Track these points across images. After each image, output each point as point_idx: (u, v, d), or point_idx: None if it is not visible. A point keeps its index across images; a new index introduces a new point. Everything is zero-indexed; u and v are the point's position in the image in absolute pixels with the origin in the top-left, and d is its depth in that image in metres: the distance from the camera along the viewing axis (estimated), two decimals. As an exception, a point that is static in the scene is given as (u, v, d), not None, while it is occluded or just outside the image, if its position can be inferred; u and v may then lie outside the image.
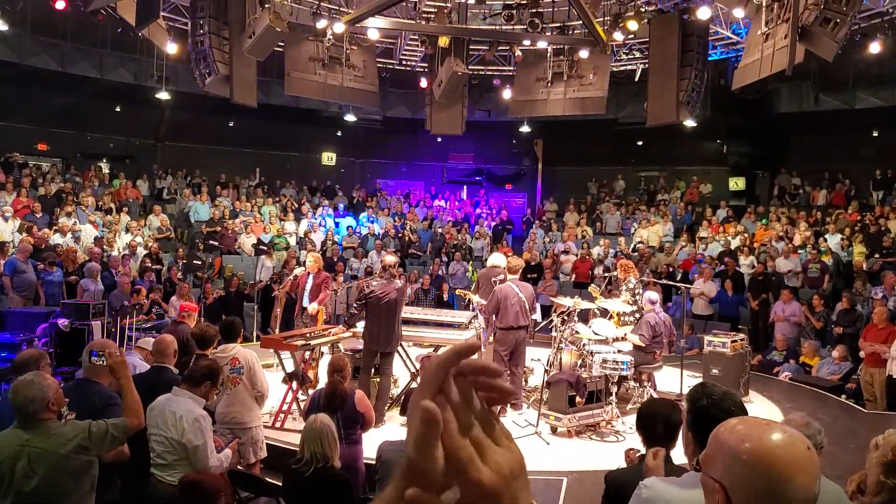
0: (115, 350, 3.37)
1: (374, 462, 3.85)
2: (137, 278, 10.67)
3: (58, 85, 15.17)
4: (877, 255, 11.97)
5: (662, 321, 7.26)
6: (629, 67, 13.76)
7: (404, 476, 0.58)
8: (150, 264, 11.45)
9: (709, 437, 1.25)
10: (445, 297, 12.26)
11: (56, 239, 11.23)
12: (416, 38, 13.31)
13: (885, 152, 15.94)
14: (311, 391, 6.77)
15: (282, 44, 11.19)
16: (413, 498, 0.56)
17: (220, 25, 9.88)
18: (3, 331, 7.85)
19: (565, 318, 7.14)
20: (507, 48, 13.15)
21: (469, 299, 7.93)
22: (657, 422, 2.60)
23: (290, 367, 6.68)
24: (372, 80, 12.55)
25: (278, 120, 17.34)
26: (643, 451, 2.86)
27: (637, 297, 7.78)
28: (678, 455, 2.42)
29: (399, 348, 6.88)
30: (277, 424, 6.16)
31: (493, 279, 7.13)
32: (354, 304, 6.88)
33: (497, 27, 12.45)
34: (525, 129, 17.94)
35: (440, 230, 15.64)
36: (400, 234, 15.33)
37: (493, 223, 16.72)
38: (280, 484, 3.98)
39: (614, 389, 6.49)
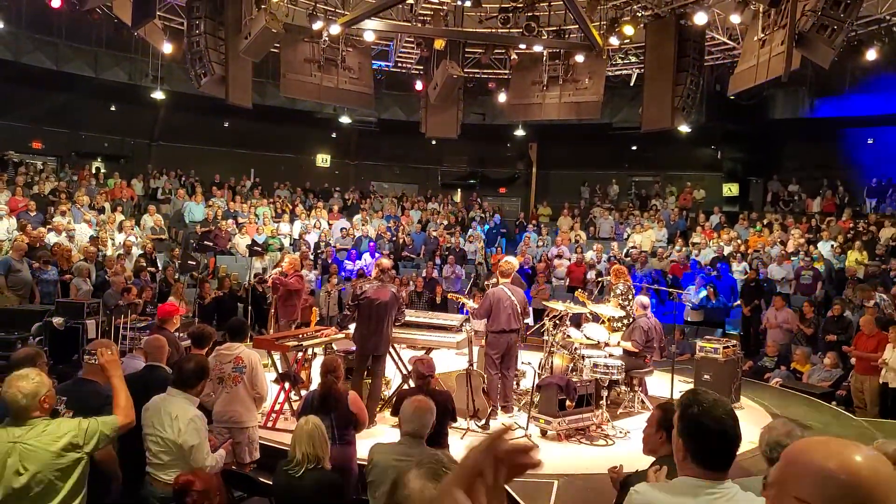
0: (109, 349, 3.36)
1: (366, 463, 3.85)
2: (133, 278, 10.64)
3: (53, 83, 15.13)
4: (872, 262, 12.03)
5: (654, 326, 7.28)
6: (624, 72, 13.82)
7: None
8: (145, 264, 11.42)
9: (781, 457, 1.26)
10: (438, 300, 12.26)
11: (51, 238, 11.19)
12: (412, 40, 13.33)
13: (879, 159, 16.06)
14: (303, 392, 6.78)
15: (277, 45, 11.19)
16: None
17: (216, 26, 9.87)
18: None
19: (557, 322, 7.16)
20: (503, 51, 13.19)
21: (462, 303, 7.94)
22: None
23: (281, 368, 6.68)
24: (367, 82, 12.56)
25: (273, 121, 17.34)
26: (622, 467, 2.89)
27: (625, 303, 7.80)
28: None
29: (391, 350, 6.88)
30: (269, 424, 6.15)
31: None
32: (347, 307, 6.88)
33: (493, 30, 12.48)
34: (520, 132, 17.98)
35: (434, 233, 15.65)
36: (394, 237, 15.33)
37: (486, 226, 16.73)
38: (271, 484, 3.98)
39: (605, 394, 6.51)
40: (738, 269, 12.60)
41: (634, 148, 18.69)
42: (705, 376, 7.44)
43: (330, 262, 13.76)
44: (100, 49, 15.23)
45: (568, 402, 6.30)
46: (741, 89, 9.80)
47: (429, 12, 12.38)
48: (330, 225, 15.60)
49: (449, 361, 7.78)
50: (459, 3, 11.83)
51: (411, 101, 16.65)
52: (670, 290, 9.41)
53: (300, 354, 6.83)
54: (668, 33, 10.79)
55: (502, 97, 14.10)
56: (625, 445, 6.13)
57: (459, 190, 20.58)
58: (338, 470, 3.80)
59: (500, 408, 6.83)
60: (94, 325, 7.55)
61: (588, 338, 7.09)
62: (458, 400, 5.73)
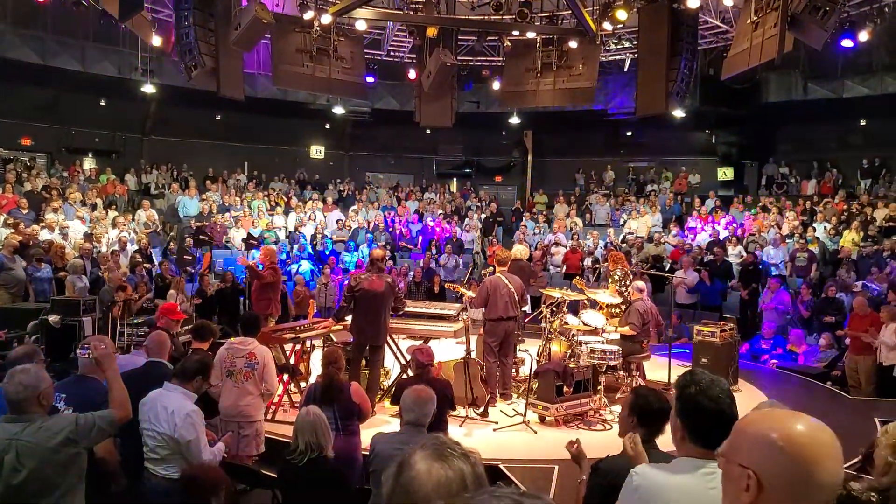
0: (103, 343, 3.35)
1: (368, 453, 3.87)
2: (129, 273, 10.60)
3: (40, 78, 14.96)
4: (867, 242, 12.07)
5: (649, 309, 7.32)
6: (618, 57, 13.75)
7: None
8: (140, 260, 11.37)
9: (732, 429, 1.35)
10: (436, 289, 12.27)
11: (44, 235, 11.13)
12: (405, 28, 13.23)
13: (872, 141, 16.08)
14: (302, 384, 6.80)
15: (268, 36, 11.09)
16: None
17: (205, 17, 9.75)
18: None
19: (554, 309, 7.18)
20: (496, 38, 13.10)
21: (461, 292, 7.95)
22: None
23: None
24: (360, 72, 12.47)
25: (266, 113, 17.23)
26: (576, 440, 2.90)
27: (623, 289, 7.83)
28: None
29: (389, 340, 6.90)
30: (268, 416, 6.16)
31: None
32: (343, 298, 6.88)
33: (485, 17, 12.39)
34: (514, 120, 17.92)
35: (431, 223, 15.62)
36: (390, 228, 15.31)
37: (483, 215, 16.71)
38: (274, 476, 3.99)
39: (602, 379, 6.54)
40: (734, 253, 12.64)
41: (629, 134, 18.66)
42: (703, 360, 7.48)
43: (327, 253, 13.74)
44: (87, 42, 15.04)
45: (565, 388, 6.33)
46: (734, 73, 9.78)
47: (420, 0, 12.28)
48: (325, 217, 15.57)
49: (447, 350, 7.80)
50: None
51: (405, 90, 16.55)
52: (668, 275, 9.44)
53: (298, 347, 6.84)
54: (661, 17, 10.72)
55: (496, 85, 14.04)
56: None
57: (455, 179, 20.52)
58: (342, 460, 3.82)
59: (499, 395, 6.86)
60: (91, 322, 7.52)
61: (585, 324, 7.11)
62: (457, 388, 5.75)
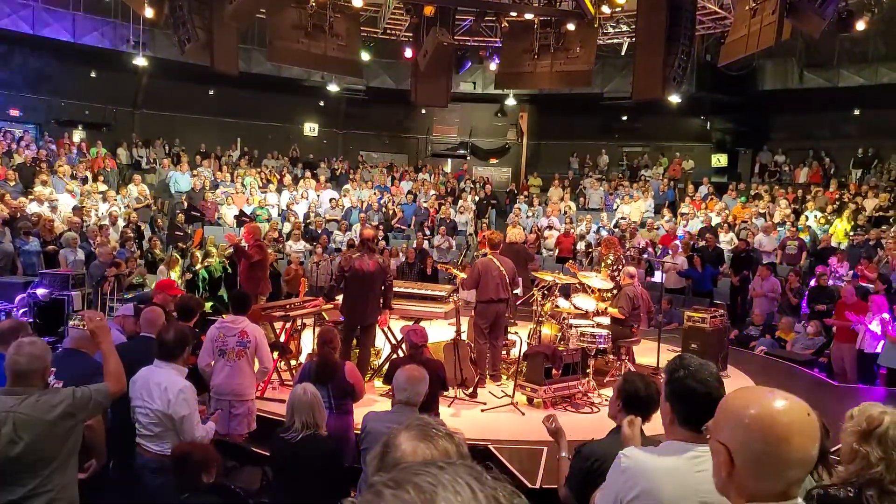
0: (96, 315, 3.33)
1: (360, 432, 3.90)
2: (119, 248, 10.53)
3: (30, 49, 14.69)
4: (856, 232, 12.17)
5: (639, 294, 7.36)
6: (615, 41, 13.65)
7: None
8: (131, 234, 11.29)
9: (717, 407, 1.38)
10: (429, 271, 12.27)
11: (33, 208, 11.01)
12: (401, 6, 13.04)
13: (866, 131, 16.13)
14: (292, 362, 6.81)
15: (263, 11, 10.90)
16: None
17: (199, -11, 9.57)
18: (-21, 301, 7.72)
19: (546, 292, 7.21)
20: (494, 19, 12.95)
21: (454, 273, 7.95)
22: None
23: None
24: (355, 50, 12.31)
25: (259, 89, 17.02)
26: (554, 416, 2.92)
27: (616, 274, 7.86)
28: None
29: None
30: (257, 394, 6.18)
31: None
32: (334, 278, 6.87)
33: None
34: (511, 101, 17.80)
35: (424, 204, 15.57)
36: (383, 208, 15.25)
37: (476, 197, 16.67)
38: (265, 454, 4.01)
39: (592, 362, 6.60)
40: (726, 240, 12.70)
41: (625, 118, 18.61)
42: (693, 346, 7.54)
43: (320, 232, 13.68)
44: (78, 13, 14.78)
45: (554, 371, 6.38)
46: (731, 60, 9.73)
47: (418, -23, 12.09)
48: (318, 195, 15.48)
49: (439, 332, 7.83)
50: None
51: (400, 69, 16.38)
52: (662, 261, 9.48)
53: (288, 325, 6.84)
54: (659, 2, 10.60)
55: (493, 66, 13.91)
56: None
57: (449, 160, 20.43)
58: (335, 439, 3.84)
59: (488, 376, 6.91)
60: (80, 296, 7.48)
61: (576, 307, 7.15)
62: (446, 369, 5.78)
